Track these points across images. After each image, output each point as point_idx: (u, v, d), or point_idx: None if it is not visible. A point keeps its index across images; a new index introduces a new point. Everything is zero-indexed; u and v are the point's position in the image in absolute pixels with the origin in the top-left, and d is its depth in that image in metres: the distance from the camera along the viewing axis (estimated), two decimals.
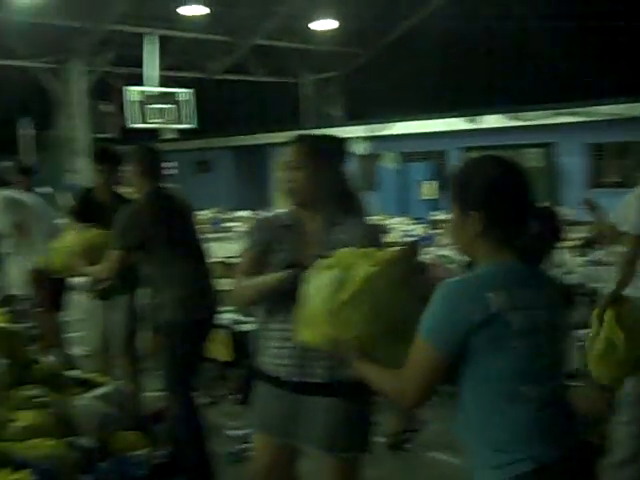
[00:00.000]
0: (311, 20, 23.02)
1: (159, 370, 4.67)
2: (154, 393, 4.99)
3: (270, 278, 2.95)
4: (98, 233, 5.22)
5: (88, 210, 5.75)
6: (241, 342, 6.46)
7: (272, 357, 3.05)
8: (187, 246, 4.60)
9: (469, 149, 20.89)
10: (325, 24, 23.32)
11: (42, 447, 4.19)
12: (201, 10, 21.00)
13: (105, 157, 5.81)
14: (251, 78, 25.61)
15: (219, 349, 6.60)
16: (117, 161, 5.64)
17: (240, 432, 5.33)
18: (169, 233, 4.49)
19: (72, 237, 5.36)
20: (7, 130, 22.19)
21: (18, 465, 3.84)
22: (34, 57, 21.31)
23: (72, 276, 5.42)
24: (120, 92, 22.14)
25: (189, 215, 4.82)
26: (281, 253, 3.02)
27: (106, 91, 23.02)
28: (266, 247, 3.05)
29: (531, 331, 2.12)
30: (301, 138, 3.11)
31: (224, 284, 8.05)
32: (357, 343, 2.34)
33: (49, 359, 5.84)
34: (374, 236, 3.04)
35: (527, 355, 2.11)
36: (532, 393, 2.11)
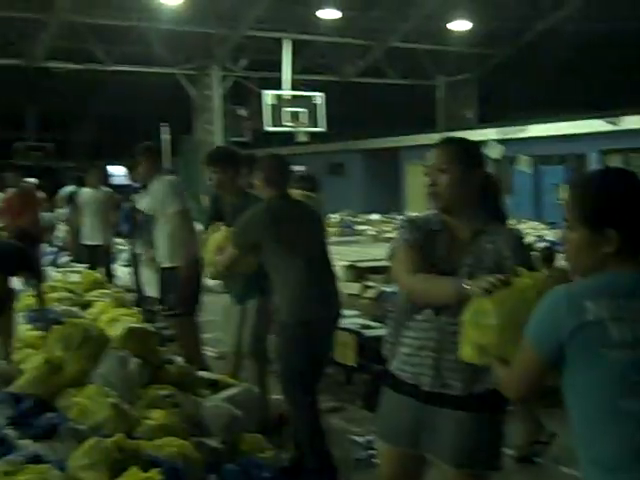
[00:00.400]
0: (446, 21, 22.80)
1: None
2: (280, 396, 5.05)
3: (446, 284, 2.78)
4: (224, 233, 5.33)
5: (219, 212, 5.94)
6: (367, 347, 6.46)
7: (404, 364, 2.99)
8: (306, 250, 4.64)
9: (608, 152, 20.18)
10: (459, 25, 23.04)
11: (171, 446, 4.31)
12: (336, 14, 21.18)
13: (215, 159, 5.96)
14: (385, 81, 25.59)
15: (345, 353, 6.63)
16: (232, 162, 5.77)
17: (365, 438, 5.34)
18: (284, 237, 4.56)
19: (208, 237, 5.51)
20: (151, 135, 23.04)
21: (148, 463, 3.96)
22: (176, 64, 22.04)
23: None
24: (254, 96, 22.59)
25: (312, 220, 4.90)
26: (432, 260, 2.93)
27: (240, 95, 23.53)
28: (420, 247, 2.95)
29: (635, 344, 2.01)
30: (447, 141, 3.07)
31: (352, 287, 8.12)
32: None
33: (181, 360, 6.02)
34: (519, 247, 2.95)
35: (628, 368, 2.01)
36: (635, 408, 2.00)
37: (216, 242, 5.24)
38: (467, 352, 2.63)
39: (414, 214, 3.14)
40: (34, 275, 6.33)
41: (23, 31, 19.67)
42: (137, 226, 9.17)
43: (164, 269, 6.87)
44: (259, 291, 5.51)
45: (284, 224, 4.62)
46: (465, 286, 2.66)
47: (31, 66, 20.44)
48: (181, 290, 6.64)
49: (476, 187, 2.97)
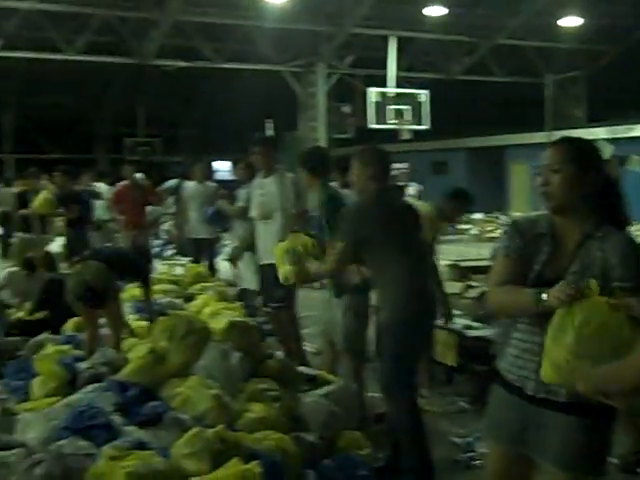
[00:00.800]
0: (556, 18, 22.26)
1: (381, 369, 4.68)
2: (377, 394, 5.04)
3: (525, 296, 2.75)
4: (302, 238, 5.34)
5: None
6: (469, 347, 6.38)
7: (511, 365, 2.95)
8: (407, 248, 4.58)
9: None
10: (570, 21, 22.46)
11: (270, 440, 4.36)
12: (442, 11, 20.99)
13: (308, 158, 6.00)
14: (491, 79, 25.20)
15: (445, 353, 6.57)
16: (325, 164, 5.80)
17: (465, 440, 5.28)
18: (388, 234, 4.51)
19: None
20: (256, 131, 23.34)
21: (248, 455, 4.01)
22: (282, 61, 22.28)
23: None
24: (359, 93, 22.61)
25: (412, 217, 4.82)
26: (535, 266, 2.86)
27: (344, 92, 23.59)
28: (520, 255, 2.90)
29: None
30: (562, 140, 2.99)
31: (454, 287, 8.04)
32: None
33: (281, 354, 6.08)
34: (628, 257, 2.77)
35: None
36: None
37: (284, 248, 5.23)
38: (546, 371, 2.58)
39: (519, 215, 3.08)
40: (143, 282, 6.60)
41: (135, 30, 20.24)
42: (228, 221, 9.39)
43: (263, 265, 6.95)
44: (355, 287, 5.51)
45: (392, 219, 4.58)
46: (543, 297, 2.62)
47: (142, 64, 20.99)
48: (280, 285, 6.71)
49: (590, 189, 2.87)
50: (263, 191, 7.09)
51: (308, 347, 7.42)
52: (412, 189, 21.70)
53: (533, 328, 2.85)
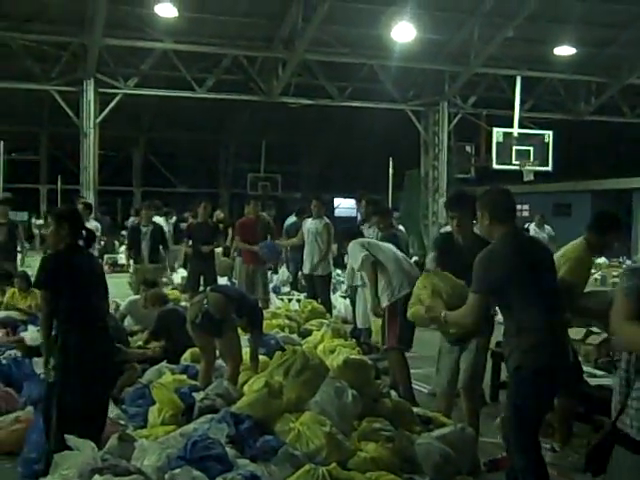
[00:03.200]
0: None
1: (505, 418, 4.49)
2: (492, 439, 4.90)
3: None
4: (446, 279, 5.26)
5: (449, 255, 5.88)
6: (590, 396, 6.12)
7: (634, 420, 2.82)
8: (539, 292, 4.37)
9: None
10: None
11: None
12: (570, 51, 20.62)
13: (456, 204, 5.90)
14: (620, 119, 24.49)
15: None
16: (470, 205, 5.64)
17: None
18: (526, 277, 4.32)
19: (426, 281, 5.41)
20: (378, 169, 23.38)
21: None
22: (405, 100, 22.34)
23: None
24: (482, 133, 22.38)
25: (544, 259, 4.58)
26: None
27: (466, 131, 23.40)
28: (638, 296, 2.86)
29: None
30: None
31: (575, 332, 7.78)
32: None
33: (396, 394, 6.01)
34: None
35: None
36: None
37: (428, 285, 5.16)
38: None
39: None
40: (254, 326, 6.70)
41: (262, 68, 20.74)
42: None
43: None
44: (480, 330, 5.36)
45: (525, 263, 4.37)
46: None
47: (268, 101, 21.45)
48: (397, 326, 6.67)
49: None
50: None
51: (420, 387, 7.31)
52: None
53: None
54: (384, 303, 6.80)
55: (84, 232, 5.16)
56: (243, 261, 11.34)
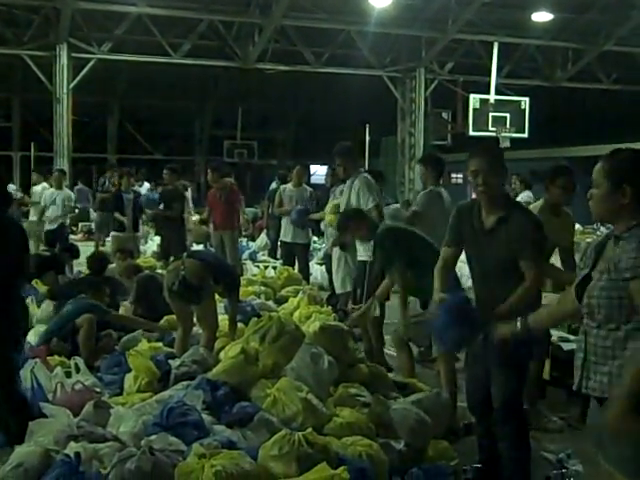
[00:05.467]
0: None
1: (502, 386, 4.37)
2: (464, 404, 4.93)
3: None
4: None
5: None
6: (563, 360, 6.19)
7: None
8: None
9: None
10: None
11: (358, 445, 4.33)
12: (547, 17, 20.57)
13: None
14: (597, 86, 24.52)
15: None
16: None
17: (559, 456, 5.11)
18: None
19: None
20: (354, 135, 23.35)
21: (335, 460, 3.99)
22: (382, 66, 22.23)
23: None
24: (458, 99, 22.34)
25: None
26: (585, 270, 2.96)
27: (443, 98, 23.34)
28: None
29: None
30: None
31: (549, 298, 7.83)
32: None
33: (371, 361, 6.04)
34: None
35: None
36: None
37: None
38: None
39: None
40: (231, 291, 6.66)
41: (239, 34, 20.52)
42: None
43: (360, 262, 7.19)
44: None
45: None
46: None
47: (244, 67, 21.25)
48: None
49: None
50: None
51: (392, 352, 7.36)
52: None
53: None
54: None
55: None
56: (213, 228, 11.36)
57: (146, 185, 19.29)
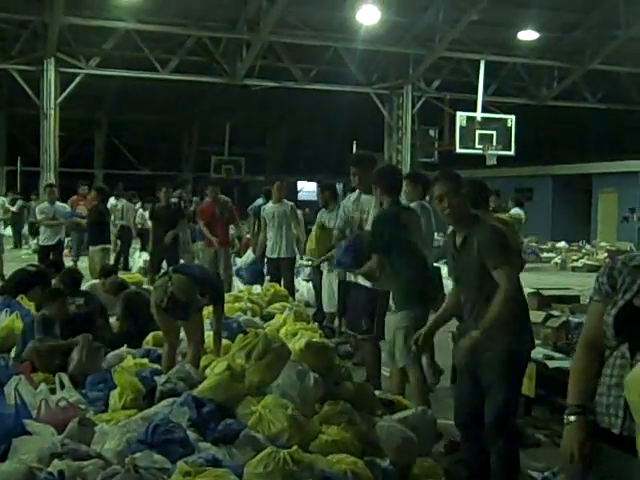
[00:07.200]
0: None
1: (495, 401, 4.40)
2: (449, 421, 4.93)
3: None
4: None
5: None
6: (548, 378, 6.21)
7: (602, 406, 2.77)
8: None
9: None
10: None
11: (344, 463, 4.32)
12: (533, 35, 20.76)
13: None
14: (583, 104, 24.70)
15: (524, 383, 6.39)
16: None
17: (544, 474, 5.11)
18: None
19: None
20: (342, 152, 23.44)
21: (320, 478, 3.98)
22: (370, 83, 22.33)
23: None
24: (446, 117, 22.46)
25: None
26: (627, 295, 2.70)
27: (430, 115, 23.46)
28: (609, 295, 2.77)
29: None
30: None
31: (537, 316, 7.85)
32: None
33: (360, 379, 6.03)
34: None
35: None
36: None
37: None
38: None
39: (605, 245, 2.99)
40: (217, 302, 6.61)
41: (226, 51, 20.59)
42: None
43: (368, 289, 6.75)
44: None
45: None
46: None
47: (232, 84, 21.30)
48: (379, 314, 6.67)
49: None
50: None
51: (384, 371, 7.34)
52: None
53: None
54: None
55: None
56: (205, 244, 11.33)
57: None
